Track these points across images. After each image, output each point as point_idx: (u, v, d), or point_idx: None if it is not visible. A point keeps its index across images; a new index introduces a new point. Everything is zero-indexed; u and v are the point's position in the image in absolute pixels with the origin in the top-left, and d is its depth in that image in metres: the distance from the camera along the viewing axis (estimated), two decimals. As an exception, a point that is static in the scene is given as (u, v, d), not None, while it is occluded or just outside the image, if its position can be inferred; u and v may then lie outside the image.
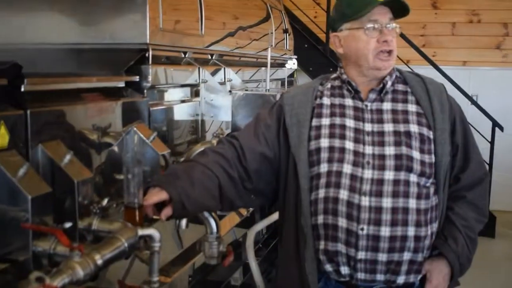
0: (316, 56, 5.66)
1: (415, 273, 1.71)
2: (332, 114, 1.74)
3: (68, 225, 1.22)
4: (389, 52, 1.72)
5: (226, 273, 2.81)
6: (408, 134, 1.69)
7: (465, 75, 6.26)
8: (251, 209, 2.90)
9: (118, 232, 1.26)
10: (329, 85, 1.81)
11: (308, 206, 1.70)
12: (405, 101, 1.76)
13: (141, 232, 1.32)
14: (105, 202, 1.41)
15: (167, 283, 1.95)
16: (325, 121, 1.74)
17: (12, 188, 1.20)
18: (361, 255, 1.66)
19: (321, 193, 1.68)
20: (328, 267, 1.72)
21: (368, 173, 1.66)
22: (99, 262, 1.15)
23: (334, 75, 1.84)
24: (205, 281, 2.52)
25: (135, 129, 1.74)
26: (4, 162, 1.21)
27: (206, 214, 1.78)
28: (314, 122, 1.75)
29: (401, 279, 1.70)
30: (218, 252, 1.79)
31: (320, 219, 1.69)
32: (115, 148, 1.71)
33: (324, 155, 1.70)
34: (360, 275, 1.69)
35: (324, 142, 1.71)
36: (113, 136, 1.71)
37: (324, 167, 1.70)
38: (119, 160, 1.71)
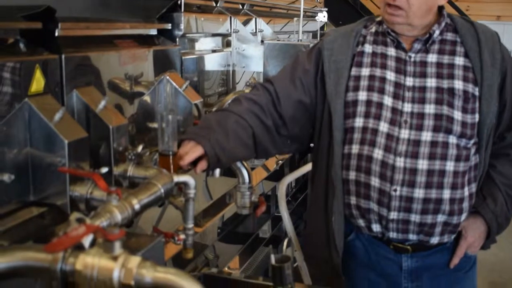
0: (347, 10, 5.56)
1: (450, 233, 1.69)
2: (373, 64, 1.68)
3: (104, 170, 1.22)
4: (397, 7, 1.58)
5: (254, 226, 2.82)
6: (451, 91, 1.61)
7: (499, 30, 6.09)
8: (280, 162, 2.90)
9: (154, 178, 1.26)
10: (373, 29, 1.73)
11: (339, 158, 1.68)
12: (453, 53, 1.66)
13: (177, 178, 1.32)
14: (139, 148, 1.40)
15: (198, 232, 1.96)
16: (365, 71, 1.68)
17: (48, 133, 1.20)
18: (393, 215, 1.63)
19: (355, 149, 1.65)
20: (361, 223, 1.70)
21: (404, 133, 1.61)
22: (136, 206, 1.14)
23: (380, 18, 1.73)
24: (234, 233, 2.53)
25: (167, 77, 1.72)
26: (40, 106, 1.20)
27: (238, 164, 1.76)
28: (354, 71, 1.69)
29: (434, 240, 1.68)
30: (250, 202, 1.78)
31: (352, 175, 1.66)
32: (148, 97, 1.69)
33: (361, 109, 1.65)
34: (392, 234, 1.67)
35: (362, 95, 1.66)
36: (145, 85, 1.69)
37: (359, 122, 1.65)
38: (152, 109, 1.70)
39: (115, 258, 0.83)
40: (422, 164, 1.60)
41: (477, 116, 1.63)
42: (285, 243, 1.42)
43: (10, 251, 0.87)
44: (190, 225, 1.40)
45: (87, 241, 0.87)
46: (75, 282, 0.85)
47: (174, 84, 1.73)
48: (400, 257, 1.73)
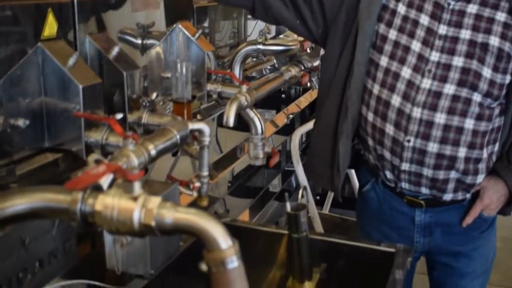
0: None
1: (464, 192, 1.66)
2: (410, 4, 1.60)
3: (119, 116, 1.20)
4: None
5: (265, 180, 2.82)
6: (484, 47, 1.53)
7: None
8: (290, 116, 2.88)
9: (169, 124, 1.24)
10: None
11: (360, 82, 1.63)
12: (496, 7, 1.55)
13: (192, 125, 1.30)
14: (153, 96, 1.39)
15: (211, 184, 1.96)
16: (401, 8, 1.60)
17: (62, 78, 1.18)
18: (405, 166, 1.61)
19: (376, 89, 1.61)
20: (377, 166, 1.69)
21: (426, 83, 1.55)
22: (153, 152, 1.13)
23: None
24: (244, 187, 2.53)
25: (180, 26, 1.69)
26: (53, 51, 1.18)
27: (251, 114, 1.75)
28: (391, 4, 1.62)
29: (447, 196, 1.66)
30: (263, 153, 1.77)
31: (370, 117, 1.63)
32: (160, 47, 1.67)
33: (388, 48, 1.60)
34: (404, 185, 1.66)
35: (392, 34, 1.60)
36: (157, 35, 1.67)
37: (383, 61, 1.60)
38: (164, 59, 1.68)
39: (135, 199, 0.82)
40: (440, 117, 1.55)
41: (508, 77, 1.55)
42: (300, 192, 1.41)
43: (29, 192, 0.86)
44: (205, 172, 1.39)
45: (106, 182, 0.86)
46: (94, 223, 0.84)
47: (187, 32, 1.70)
48: (414, 211, 1.72)
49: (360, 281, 1.52)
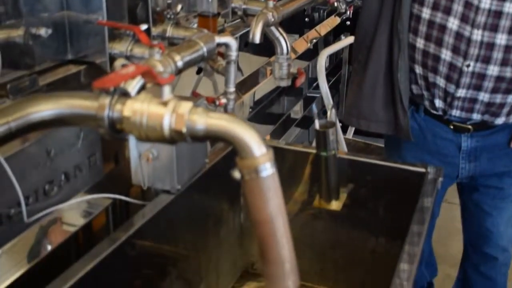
0: None
1: None
2: None
3: (144, 27, 1.16)
4: None
5: (285, 106, 2.79)
6: None
7: None
8: (314, 40, 2.81)
9: (196, 36, 1.20)
10: None
11: (407, 10, 1.56)
12: None
13: (218, 39, 1.25)
14: (178, 8, 1.33)
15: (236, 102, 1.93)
16: None
17: (84, -13, 1.13)
18: (461, 92, 1.55)
19: (426, 13, 1.53)
20: (425, 95, 1.62)
21: (486, 2, 1.47)
22: (179, 63, 1.09)
23: None
24: (265, 113, 2.50)
25: None
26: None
27: (277, 33, 1.69)
28: None
29: (500, 120, 1.60)
30: (289, 73, 1.72)
31: (420, 43, 1.56)
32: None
33: None
34: (455, 112, 1.60)
35: None
36: None
37: None
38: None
39: (165, 104, 0.78)
40: (501, 38, 1.49)
41: None
42: (329, 110, 1.38)
43: (55, 98, 0.83)
44: (232, 88, 1.35)
45: (134, 88, 0.82)
46: (123, 130, 0.81)
47: None
48: (460, 137, 1.67)
49: (388, 203, 1.50)
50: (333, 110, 1.42)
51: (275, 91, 2.53)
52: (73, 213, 1.19)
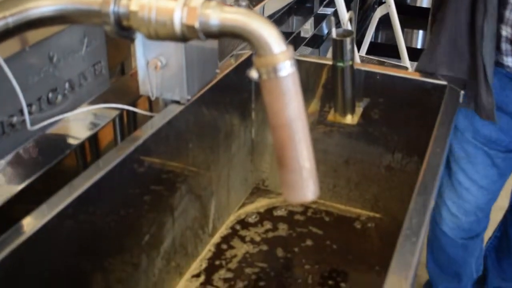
0: None
1: None
2: None
3: None
4: None
5: (295, 24, 2.69)
6: None
7: None
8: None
9: None
10: None
11: None
12: None
13: None
14: None
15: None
16: None
17: None
18: None
19: None
20: (508, 61, 1.46)
21: None
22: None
23: None
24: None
25: None
26: None
27: None
28: None
29: None
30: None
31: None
32: None
33: None
34: None
35: None
36: None
37: None
38: None
39: (175, -3, 0.71)
40: None
41: None
42: (346, 18, 1.30)
43: (56, -8, 0.76)
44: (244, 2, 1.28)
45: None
46: (130, 27, 0.75)
47: None
48: None
49: (406, 117, 1.44)
50: (350, 22, 1.34)
51: (283, 8, 2.44)
52: (78, 124, 1.14)
